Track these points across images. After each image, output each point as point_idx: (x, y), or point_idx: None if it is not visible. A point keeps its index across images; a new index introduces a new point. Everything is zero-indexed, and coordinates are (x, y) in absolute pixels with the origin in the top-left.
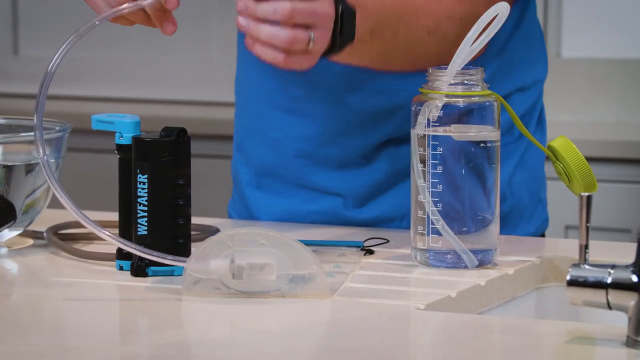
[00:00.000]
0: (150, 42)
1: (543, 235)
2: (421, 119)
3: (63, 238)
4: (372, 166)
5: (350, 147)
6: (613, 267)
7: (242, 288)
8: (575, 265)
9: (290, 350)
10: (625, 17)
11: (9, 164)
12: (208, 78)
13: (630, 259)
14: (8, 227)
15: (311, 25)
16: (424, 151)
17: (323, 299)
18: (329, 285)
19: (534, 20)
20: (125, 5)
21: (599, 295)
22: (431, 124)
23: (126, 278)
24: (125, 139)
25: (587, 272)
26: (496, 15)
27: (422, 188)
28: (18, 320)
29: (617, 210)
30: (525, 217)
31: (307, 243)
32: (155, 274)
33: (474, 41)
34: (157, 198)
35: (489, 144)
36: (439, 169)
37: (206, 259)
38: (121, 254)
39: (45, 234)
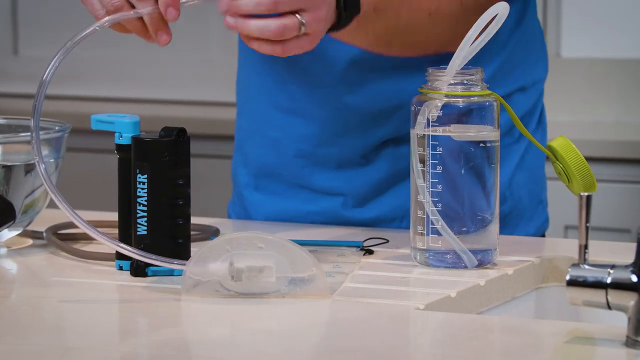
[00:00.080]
0: None
1: (543, 236)
2: (421, 119)
3: (62, 238)
4: (372, 166)
5: (350, 147)
6: (613, 267)
7: (241, 290)
8: (575, 265)
9: (290, 350)
10: (625, 17)
11: (9, 164)
12: (208, 78)
13: (630, 259)
14: (7, 227)
15: (300, 10)
16: (424, 151)
17: (323, 299)
18: (328, 286)
19: (534, 20)
20: (124, 13)
21: (598, 295)
22: (431, 124)
23: (126, 278)
24: (125, 139)
25: (587, 272)
26: (496, 15)
27: (422, 188)
28: (18, 320)
29: (617, 210)
30: (525, 218)
31: (307, 243)
32: (154, 274)
33: (474, 41)
34: (157, 198)
35: (488, 144)
36: (439, 169)
37: (205, 262)
38: (121, 254)
39: (44, 234)
